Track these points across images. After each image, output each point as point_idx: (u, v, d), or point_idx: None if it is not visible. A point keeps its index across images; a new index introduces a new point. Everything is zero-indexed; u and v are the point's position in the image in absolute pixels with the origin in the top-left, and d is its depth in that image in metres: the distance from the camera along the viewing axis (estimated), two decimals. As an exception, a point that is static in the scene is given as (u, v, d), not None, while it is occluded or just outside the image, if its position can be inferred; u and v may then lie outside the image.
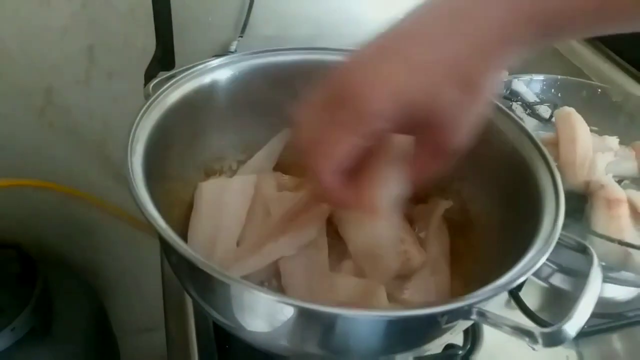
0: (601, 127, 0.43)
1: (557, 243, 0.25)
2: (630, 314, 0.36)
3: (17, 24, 0.49)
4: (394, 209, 0.26)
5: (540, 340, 0.21)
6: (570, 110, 0.41)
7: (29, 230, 0.62)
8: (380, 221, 0.29)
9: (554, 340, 0.21)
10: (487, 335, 0.32)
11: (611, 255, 0.32)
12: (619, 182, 0.40)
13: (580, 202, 0.36)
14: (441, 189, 0.35)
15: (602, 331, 0.34)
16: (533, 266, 0.24)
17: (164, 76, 0.32)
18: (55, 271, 0.59)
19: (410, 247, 0.32)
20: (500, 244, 0.30)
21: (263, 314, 0.24)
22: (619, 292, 0.38)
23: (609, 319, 0.35)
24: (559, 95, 0.46)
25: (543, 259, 0.24)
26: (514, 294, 0.35)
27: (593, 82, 0.48)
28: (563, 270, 0.37)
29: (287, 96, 0.38)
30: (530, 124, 0.45)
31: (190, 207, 0.33)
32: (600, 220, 0.35)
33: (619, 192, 0.36)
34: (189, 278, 0.27)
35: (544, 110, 0.46)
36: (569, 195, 0.28)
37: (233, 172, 0.37)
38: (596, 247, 0.27)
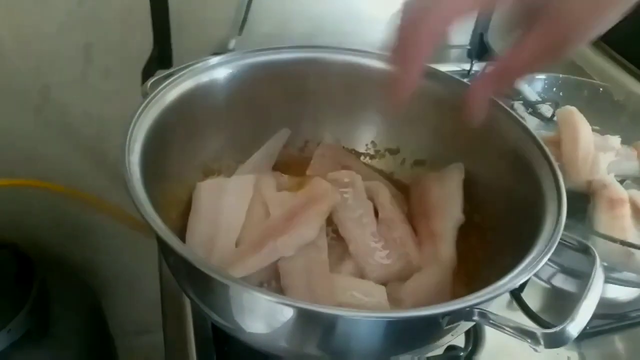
0: (603, 126, 0.42)
1: (559, 243, 0.25)
2: (633, 315, 0.36)
3: (13, 22, 0.49)
4: None
5: (542, 341, 0.21)
6: (572, 109, 0.41)
7: (25, 230, 0.62)
8: None
9: (556, 341, 0.21)
10: (488, 337, 0.32)
11: (613, 256, 0.32)
12: (621, 181, 0.39)
13: (582, 202, 0.35)
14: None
15: (605, 332, 0.34)
16: (535, 267, 0.23)
17: (162, 75, 0.32)
18: (52, 272, 0.58)
19: (410, 249, 0.32)
20: (502, 244, 0.30)
21: (262, 316, 0.24)
22: (622, 293, 0.38)
23: (612, 319, 0.35)
24: (561, 94, 0.46)
25: (545, 260, 0.24)
26: (516, 294, 0.35)
27: (595, 81, 0.48)
28: (565, 270, 0.37)
29: (286, 95, 0.37)
30: (531, 123, 0.45)
31: (188, 207, 0.33)
32: (602, 220, 0.35)
33: (622, 192, 0.36)
34: (187, 279, 0.26)
35: (546, 109, 0.46)
36: (571, 195, 0.27)
37: (231, 172, 0.36)
38: (598, 247, 0.26)
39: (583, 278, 0.24)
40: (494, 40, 0.59)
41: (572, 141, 0.39)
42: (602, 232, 0.33)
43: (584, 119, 0.41)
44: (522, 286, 0.35)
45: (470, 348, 0.32)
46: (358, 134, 0.40)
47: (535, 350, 0.21)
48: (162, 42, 0.49)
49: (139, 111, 0.29)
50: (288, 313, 0.22)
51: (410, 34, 0.24)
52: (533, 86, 0.46)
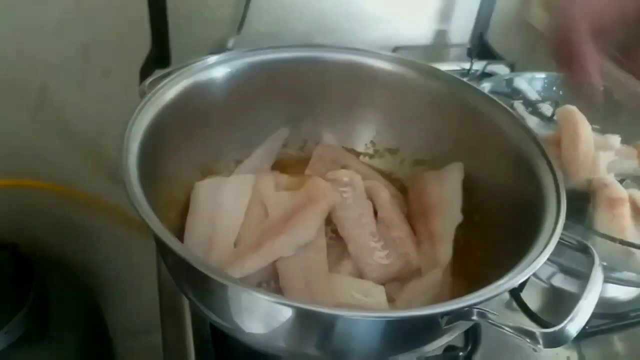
0: (603, 125, 0.42)
1: (559, 243, 0.25)
2: (632, 314, 0.36)
3: (10, 22, 0.49)
4: None
5: (541, 341, 0.21)
6: (573, 108, 0.41)
7: (23, 231, 0.61)
8: None
9: (555, 340, 0.21)
10: (488, 337, 0.32)
11: (613, 255, 0.32)
12: (621, 181, 0.39)
13: (582, 202, 0.35)
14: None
15: (604, 331, 0.34)
16: (534, 266, 0.23)
17: (160, 74, 0.32)
18: (51, 272, 0.58)
19: (409, 249, 0.32)
20: (501, 243, 0.30)
21: (261, 316, 0.24)
22: (621, 292, 0.38)
23: (611, 319, 0.35)
24: (561, 93, 0.46)
25: (544, 259, 0.24)
26: (515, 294, 0.35)
27: (594, 80, 0.48)
28: (564, 270, 0.37)
29: (285, 94, 0.37)
30: (532, 122, 0.45)
31: (186, 207, 0.33)
32: (602, 220, 0.35)
33: (621, 191, 0.35)
34: (185, 279, 0.26)
35: (546, 109, 0.46)
36: (571, 195, 0.27)
37: (230, 172, 0.36)
38: (598, 246, 0.26)
39: (582, 278, 0.24)
40: (494, 40, 0.59)
41: (572, 140, 0.39)
42: (602, 232, 0.33)
43: (584, 118, 0.41)
44: (522, 286, 0.35)
45: (469, 348, 0.32)
46: (357, 133, 0.40)
47: (535, 350, 0.21)
48: (160, 41, 0.49)
49: (137, 111, 0.29)
50: (287, 313, 0.22)
51: (571, 49, 0.27)
52: (533, 85, 0.46)
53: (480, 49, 0.58)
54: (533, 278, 0.37)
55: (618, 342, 0.34)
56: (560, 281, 0.37)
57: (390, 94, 0.37)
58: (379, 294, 0.29)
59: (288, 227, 0.30)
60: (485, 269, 0.30)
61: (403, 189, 0.37)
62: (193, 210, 0.32)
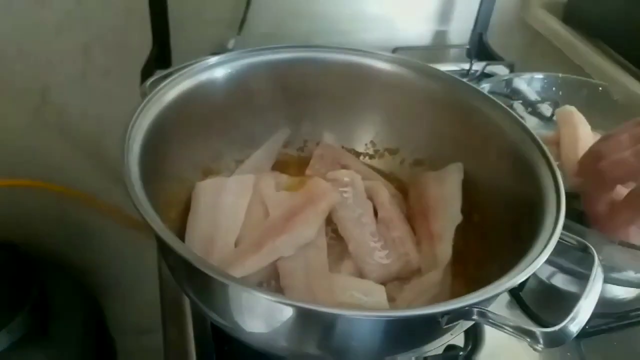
0: (602, 125, 0.42)
1: (558, 242, 0.25)
2: (632, 314, 0.36)
3: (12, 22, 0.49)
4: None
5: (541, 341, 0.21)
6: (572, 109, 0.41)
7: (24, 231, 0.61)
8: None
9: (555, 340, 0.21)
10: (488, 336, 0.32)
11: (613, 255, 0.32)
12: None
13: (582, 202, 0.35)
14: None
15: (604, 331, 0.34)
16: (534, 266, 0.23)
17: (161, 74, 0.32)
18: (51, 272, 0.58)
19: (409, 249, 0.32)
20: (501, 243, 0.30)
21: (262, 315, 0.24)
22: (621, 292, 0.38)
23: (611, 318, 0.35)
24: (560, 93, 0.46)
25: (544, 259, 0.24)
26: (515, 294, 0.35)
27: (594, 81, 0.48)
28: (564, 270, 0.37)
29: (286, 94, 0.37)
30: (531, 122, 0.45)
31: (187, 207, 0.33)
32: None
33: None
34: (186, 279, 0.26)
35: (545, 109, 0.46)
36: (571, 195, 0.27)
37: (231, 172, 0.36)
38: (597, 246, 0.26)
39: (582, 277, 0.24)
40: (493, 40, 0.59)
41: (572, 141, 0.39)
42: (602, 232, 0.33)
43: (584, 118, 0.41)
44: (522, 285, 0.35)
45: (469, 347, 0.32)
46: (357, 133, 0.40)
47: (535, 350, 0.21)
48: (161, 41, 0.49)
49: (138, 111, 0.29)
50: (288, 313, 0.22)
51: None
52: (532, 85, 0.46)
53: (480, 49, 0.59)
54: (533, 277, 0.37)
55: (618, 342, 0.34)
56: (560, 281, 0.37)
57: (390, 94, 0.37)
58: (379, 294, 0.29)
59: (289, 226, 0.30)
60: (485, 269, 0.30)
61: (403, 189, 0.38)
62: (194, 210, 0.32)
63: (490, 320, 0.22)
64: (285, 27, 0.55)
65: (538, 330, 0.21)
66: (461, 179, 0.35)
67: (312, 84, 0.37)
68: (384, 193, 0.35)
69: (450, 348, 0.31)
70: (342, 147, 0.40)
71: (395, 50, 0.53)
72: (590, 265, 0.24)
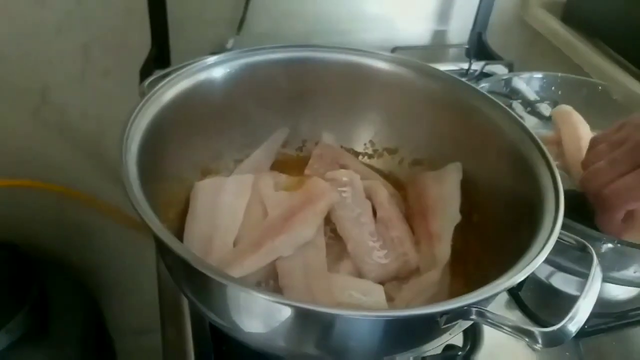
0: (601, 125, 0.42)
1: (557, 242, 0.25)
2: (631, 314, 0.36)
3: (11, 22, 0.49)
4: None
5: (540, 340, 0.21)
6: (569, 108, 0.41)
7: (24, 231, 0.62)
8: None
9: (554, 340, 0.21)
10: (487, 336, 0.32)
11: (613, 255, 0.32)
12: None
13: (581, 201, 0.35)
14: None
15: (603, 331, 0.34)
16: (533, 265, 0.23)
17: (160, 74, 0.32)
18: (51, 272, 0.58)
19: (408, 249, 0.32)
20: (500, 243, 0.30)
21: (260, 315, 0.24)
22: (620, 292, 0.38)
23: (610, 318, 0.35)
24: (559, 93, 0.46)
25: (543, 258, 0.24)
26: (514, 293, 0.35)
27: (593, 80, 0.48)
28: (563, 269, 0.37)
29: (284, 94, 0.37)
30: (530, 122, 0.45)
31: (186, 206, 0.33)
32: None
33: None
34: (185, 279, 0.26)
35: (544, 108, 0.46)
36: (573, 194, 0.27)
37: (230, 171, 0.36)
38: (597, 246, 0.26)
39: (581, 277, 0.24)
40: (492, 40, 0.59)
41: (573, 141, 0.39)
42: (602, 231, 0.33)
43: (581, 118, 0.41)
44: (520, 285, 0.35)
45: (468, 347, 0.32)
46: (356, 133, 0.40)
47: (534, 349, 0.21)
48: (160, 41, 0.49)
49: (136, 110, 0.29)
50: (286, 313, 0.22)
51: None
52: (531, 85, 0.46)
53: (479, 49, 0.59)
54: (532, 277, 0.37)
55: (617, 342, 0.34)
56: (559, 280, 0.37)
57: (389, 94, 0.37)
58: (378, 293, 0.29)
59: (287, 226, 0.30)
60: (483, 268, 0.30)
61: (402, 189, 0.38)
62: (193, 210, 0.32)
63: (489, 320, 0.22)
64: (284, 27, 0.55)
65: (537, 330, 0.21)
66: (460, 178, 0.35)
67: (311, 83, 0.37)
68: (383, 193, 0.35)
69: (449, 348, 0.31)
70: (341, 146, 0.40)
71: (394, 49, 0.53)
72: (589, 265, 0.24)
